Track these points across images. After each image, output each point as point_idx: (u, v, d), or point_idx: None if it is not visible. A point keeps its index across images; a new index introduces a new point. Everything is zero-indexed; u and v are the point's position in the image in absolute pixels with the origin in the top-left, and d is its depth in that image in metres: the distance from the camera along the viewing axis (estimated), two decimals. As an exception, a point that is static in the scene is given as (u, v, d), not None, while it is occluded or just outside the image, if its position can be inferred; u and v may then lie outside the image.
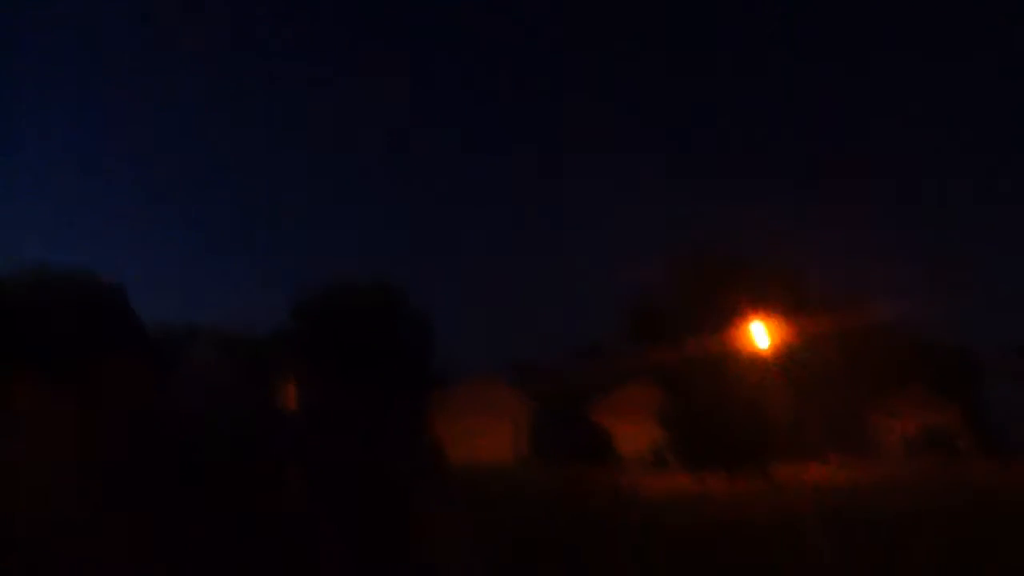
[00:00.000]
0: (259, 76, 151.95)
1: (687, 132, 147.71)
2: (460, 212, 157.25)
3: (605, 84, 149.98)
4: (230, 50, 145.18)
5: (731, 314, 39.01)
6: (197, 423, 36.07)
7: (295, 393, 39.92)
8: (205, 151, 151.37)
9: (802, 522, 16.76)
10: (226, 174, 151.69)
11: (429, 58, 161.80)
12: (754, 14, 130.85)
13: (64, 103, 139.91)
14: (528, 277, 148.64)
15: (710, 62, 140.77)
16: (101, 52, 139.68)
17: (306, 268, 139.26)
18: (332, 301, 58.51)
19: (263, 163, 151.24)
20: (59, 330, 54.26)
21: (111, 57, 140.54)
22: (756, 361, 35.13)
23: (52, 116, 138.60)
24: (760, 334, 34.74)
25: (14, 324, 52.29)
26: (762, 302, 39.89)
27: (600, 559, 13.00)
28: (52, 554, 12.71)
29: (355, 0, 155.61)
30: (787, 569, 11.30)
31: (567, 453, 38.20)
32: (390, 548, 12.72)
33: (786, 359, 39.74)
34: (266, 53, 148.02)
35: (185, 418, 37.00)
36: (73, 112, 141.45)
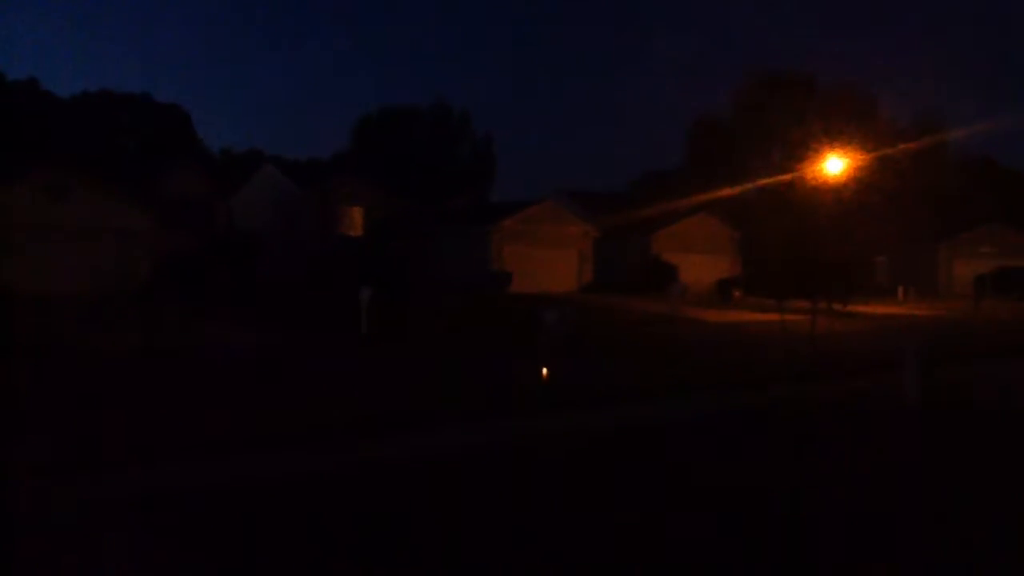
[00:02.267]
0: None
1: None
2: (522, 33, 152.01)
3: None
4: None
5: (800, 141, 37.41)
6: (261, 243, 36.65)
7: (359, 216, 40.02)
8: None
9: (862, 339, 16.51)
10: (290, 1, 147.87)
11: None
12: None
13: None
14: (593, 100, 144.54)
15: None
16: None
17: (369, 92, 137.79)
18: (392, 125, 57.89)
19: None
20: (123, 150, 54.91)
21: None
22: (827, 191, 33.85)
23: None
24: (832, 162, 33.16)
25: (79, 144, 53.05)
26: (833, 128, 38.09)
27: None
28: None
29: None
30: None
31: (630, 283, 38.06)
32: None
33: (858, 189, 38.32)
34: None
35: (249, 242, 37.61)
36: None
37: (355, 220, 40.00)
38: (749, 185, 42.05)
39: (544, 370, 11.32)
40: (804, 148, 36.00)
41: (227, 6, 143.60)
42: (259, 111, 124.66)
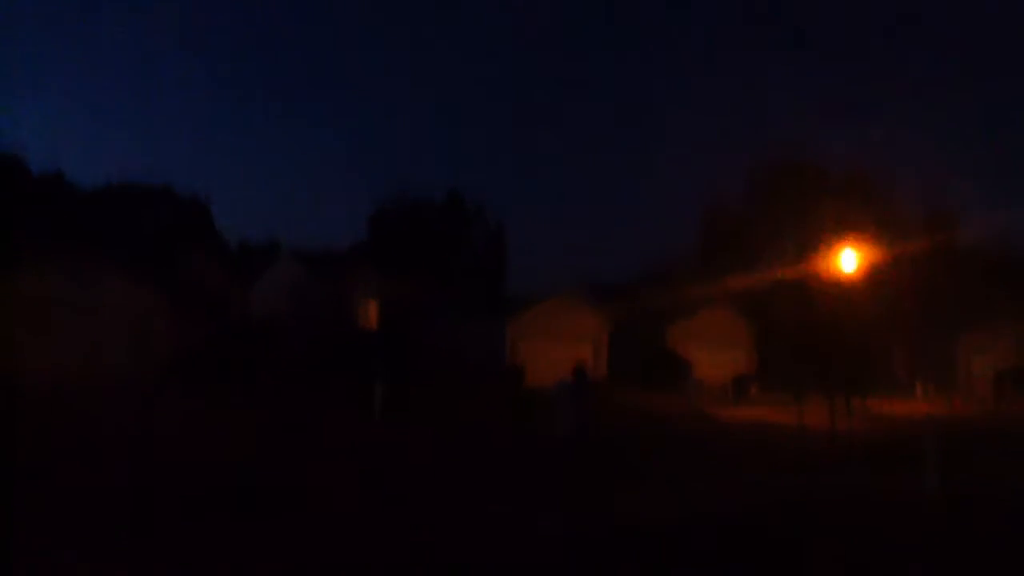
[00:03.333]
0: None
1: (765, 34, 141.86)
2: (537, 130, 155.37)
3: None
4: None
5: (814, 231, 37.52)
6: (277, 334, 36.76)
7: (373, 308, 40.22)
8: (288, 70, 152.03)
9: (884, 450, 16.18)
10: (307, 93, 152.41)
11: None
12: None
13: (150, 25, 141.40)
14: (606, 194, 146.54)
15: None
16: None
17: (384, 184, 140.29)
18: (408, 216, 58.68)
19: (343, 82, 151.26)
20: (144, 242, 55.78)
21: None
22: (842, 285, 33.76)
23: (139, 30, 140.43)
24: (846, 255, 33.13)
25: (103, 236, 53.95)
26: (847, 219, 38.23)
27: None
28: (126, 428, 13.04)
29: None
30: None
31: (645, 377, 37.77)
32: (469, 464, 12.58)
33: (874, 283, 38.19)
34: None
35: (265, 329, 37.75)
36: (161, 28, 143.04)
37: (370, 311, 40.21)
38: (763, 276, 42.00)
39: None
40: (817, 239, 36.15)
41: (247, 99, 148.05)
42: (277, 202, 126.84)
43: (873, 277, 37.97)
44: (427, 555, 7.45)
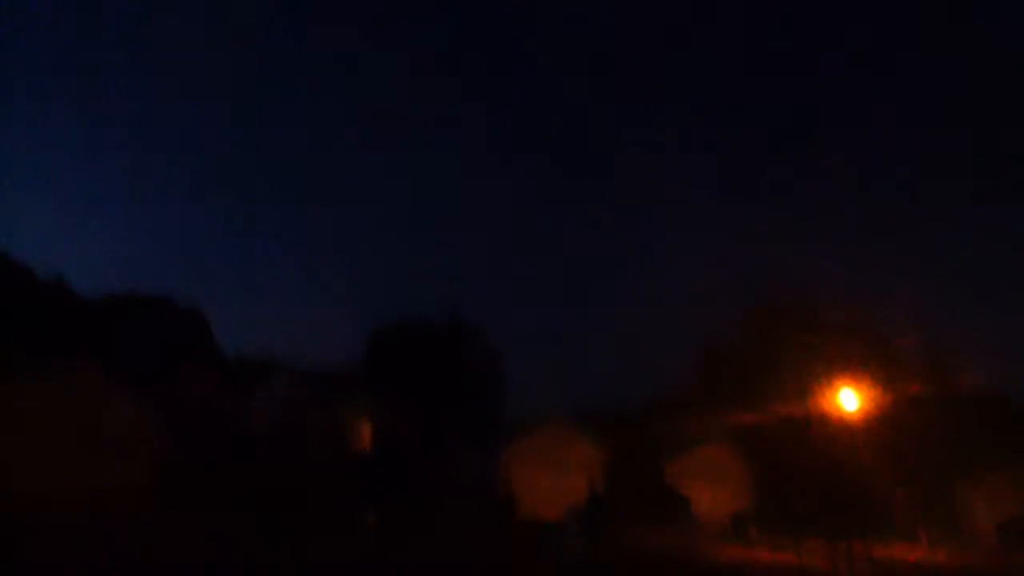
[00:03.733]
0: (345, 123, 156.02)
1: (765, 180, 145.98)
2: (535, 259, 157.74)
3: (681, 136, 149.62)
4: (319, 95, 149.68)
5: (813, 372, 37.50)
6: (271, 451, 36.21)
7: (368, 430, 39.74)
8: (286, 190, 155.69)
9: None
10: (305, 210, 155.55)
11: (507, 102, 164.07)
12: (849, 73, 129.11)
13: (156, 136, 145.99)
14: (602, 326, 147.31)
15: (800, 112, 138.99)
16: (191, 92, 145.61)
17: (382, 306, 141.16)
18: (406, 338, 58.66)
19: (342, 201, 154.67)
20: (142, 353, 55.64)
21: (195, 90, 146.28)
22: (843, 426, 33.51)
23: (141, 149, 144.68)
24: (846, 396, 33.04)
25: (102, 345, 53.84)
26: (846, 361, 38.29)
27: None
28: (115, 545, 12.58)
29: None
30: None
31: (643, 512, 36.99)
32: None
33: (875, 425, 37.90)
34: (363, 93, 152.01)
35: (259, 445, 37.22)
36: (161, 146, 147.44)
37: (365, 432, 39.72)
38: (762, 414, 41.72)
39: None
40: (817, 379, 36.12)
41: (249, 215, 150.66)
42: (275, 318, 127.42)
43: (873, 418, 37.83)
44: None
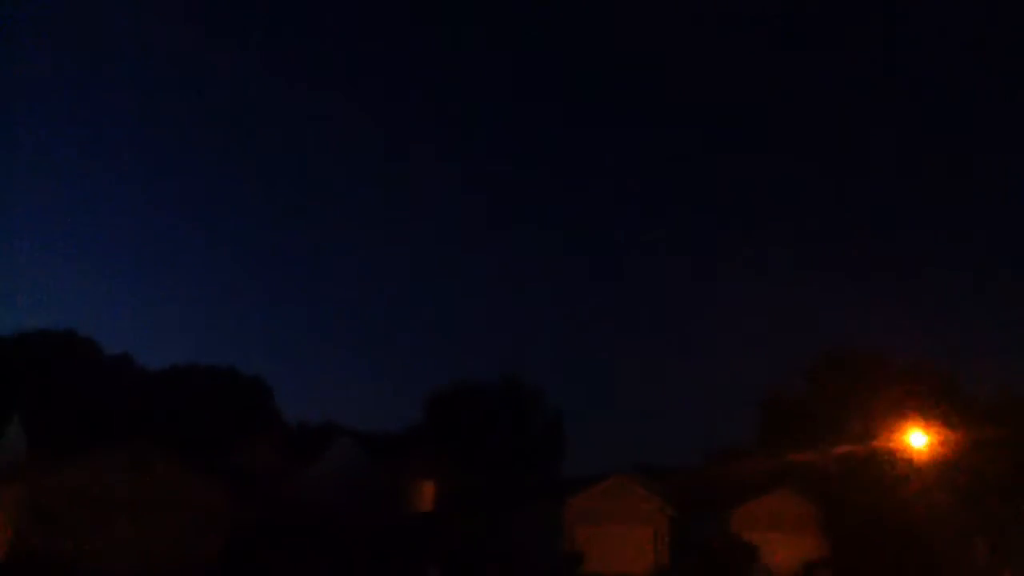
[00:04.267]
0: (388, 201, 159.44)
1: (829, 224, 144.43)
2: (593, 315, 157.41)
3: (740, 188, 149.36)
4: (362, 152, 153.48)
5: (877, 416, 36.71)
6: (335, 516, 36.50)
7: (430, 491, 39.85)
8: (344, 256, 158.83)
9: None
10: (364, 277, 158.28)
11: (562, 171, 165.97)
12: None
13: (213, 217, 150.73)
14: (664, 377, 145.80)
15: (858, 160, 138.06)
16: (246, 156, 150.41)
17: (441, 368, 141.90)
18: (465, 399, 58.95)
19: (404, 269, 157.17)
20: (207, 422, 56.86)
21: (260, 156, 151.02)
22: (912, 468, 32.70)
23: (195, 229, 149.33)
24: (914, 437, 32.24)
25: (166, 418, 55.20)
26: (911, 402, 37.41)
27: None
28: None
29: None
30: None
31: (709, 564, 36.25)
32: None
33: (946, 465, 36.81)
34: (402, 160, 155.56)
35: (323, 511, 37.52)
36: (217, 224, 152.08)
37: (426, 495, 39.83)
38: (828, 457, 40.80)
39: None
40: (881, 423, 35.33)
41: (300, 284, 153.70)
42: (336, 385, 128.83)
43: (944, 458, 36.76)
44: None
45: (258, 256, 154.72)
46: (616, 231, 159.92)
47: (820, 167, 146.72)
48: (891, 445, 32.82)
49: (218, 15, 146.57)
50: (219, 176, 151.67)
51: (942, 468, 36.50)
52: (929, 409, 36.55)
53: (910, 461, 31.99)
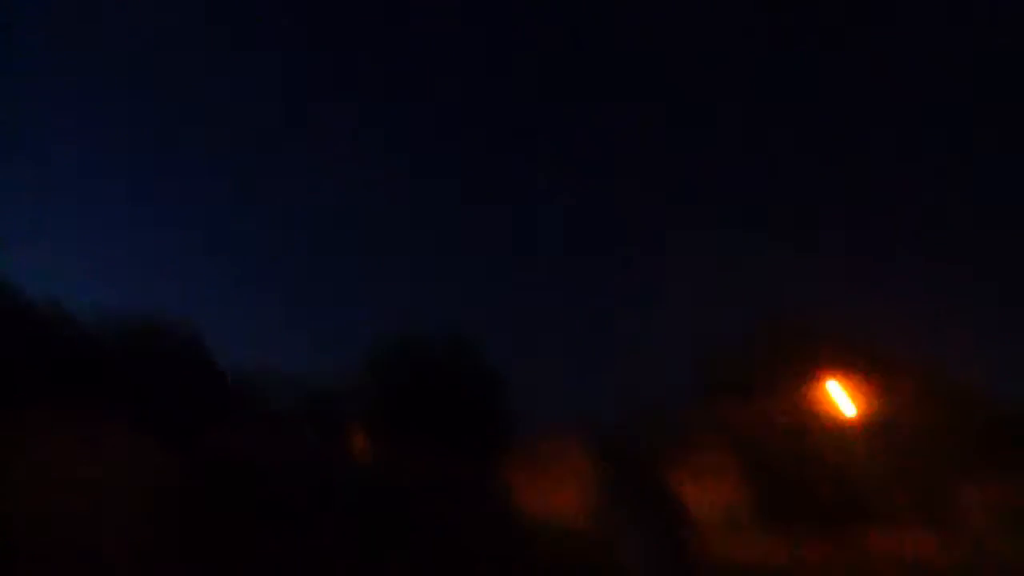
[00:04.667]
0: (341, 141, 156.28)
1: (765, 191, 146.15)
2: (532, 267, 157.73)
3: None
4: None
5: (811, 378, 37.90)
6: (272, 470, 36.44)
7: (368, 446, 39.95)
8: (280, 204, 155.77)
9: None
10: (302, 224, 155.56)
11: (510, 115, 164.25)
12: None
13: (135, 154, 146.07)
14: (602, 333, 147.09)
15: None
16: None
17: (382, 321, 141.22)
18: (406, 354, 58.81)
19: (337, 215, 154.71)
20: (137, 376, 55.77)
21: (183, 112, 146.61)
22: (837, 424, 33.96)
23: (124, 167, 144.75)
24: (841, 397, 33.64)
25: (94, 371, 53.89)
26: (842, 366, 38.71)
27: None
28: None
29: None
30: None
31: (640, 515, 37.24)
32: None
33: (868, 423, 38.36)
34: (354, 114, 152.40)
35: (260, 464, 37.41)
36: (147, 164, 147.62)
37: (365, 449, 39.90)
38: (758, 420, 42.04)
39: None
40: (814, 387, 36.51)
41: (239, 230, 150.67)
42: (270, 333, 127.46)
43: (870, 420, 38.27)
44: None
45: (188, 194, 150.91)
46: (560, 186, 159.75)
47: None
48: (820, 408, 34.08)
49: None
50: (148, 111, 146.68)
51: (867, 427, 38.09)
52: (859, 372, 37.94)
53: (837, 422, 33.30)
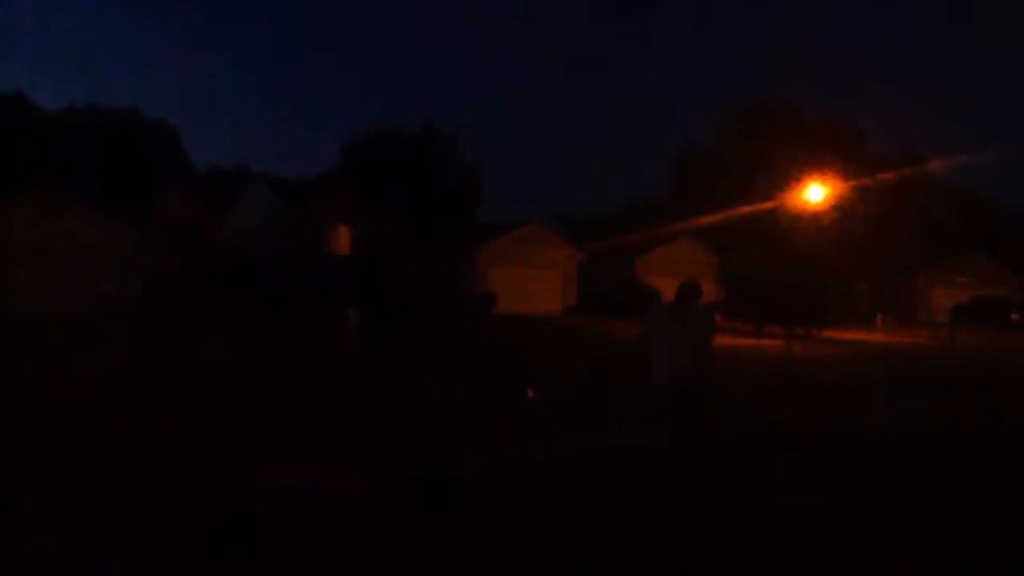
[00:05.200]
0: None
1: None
2: (509, 60, 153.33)
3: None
4: None
5: (785, 170, 38.05)
6: (249, 261, 36.91)
7: (346, 235, 40.33)
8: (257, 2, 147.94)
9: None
10: (281, 18, 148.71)
11: None
12: None
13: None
14: (579, 127, 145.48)
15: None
16: None
17: (358, 112, 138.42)
18: (382, 146, 58.33)
19: (317, 7, 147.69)
20: (112, 167, 55.10)
21: None
22: (808, 219, 34.47)
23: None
24: (812, 190, 33.80)
25: (67, 160, 53.16)
26: (816, 155, 38.84)
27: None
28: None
29: None
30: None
31: (614, 305, 38.46)
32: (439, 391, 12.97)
33: (839, 217, 39.03)
34: None
35: (240, 256, 37.85)
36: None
37: (343, 238, 40.32)
38: (732, 212, 42.67)
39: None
40: (788, 176, 36.71)
41: (218, 26, 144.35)
42: (247, 129, 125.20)
43: (838, 212, 38.83)
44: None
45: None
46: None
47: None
48: (791, 200, 34.37)
49: None
50: None
51: (837, 219, 38.73)
52: (832, 163, 38.07)
53: (807, 213, 33.75)
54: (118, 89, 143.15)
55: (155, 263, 32.03)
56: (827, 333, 29.88)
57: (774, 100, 54.45)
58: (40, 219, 29.28)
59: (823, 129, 48.75)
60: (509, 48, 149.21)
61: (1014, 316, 41.77)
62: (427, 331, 22.57)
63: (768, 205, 37.41)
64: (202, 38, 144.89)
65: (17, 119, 56.31)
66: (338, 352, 18.06)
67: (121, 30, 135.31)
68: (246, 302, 30.13)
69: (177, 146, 70.50)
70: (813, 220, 34.66)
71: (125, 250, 31.05)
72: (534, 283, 39.76)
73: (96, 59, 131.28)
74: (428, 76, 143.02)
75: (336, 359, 16.61)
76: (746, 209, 41.12)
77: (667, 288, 34.31)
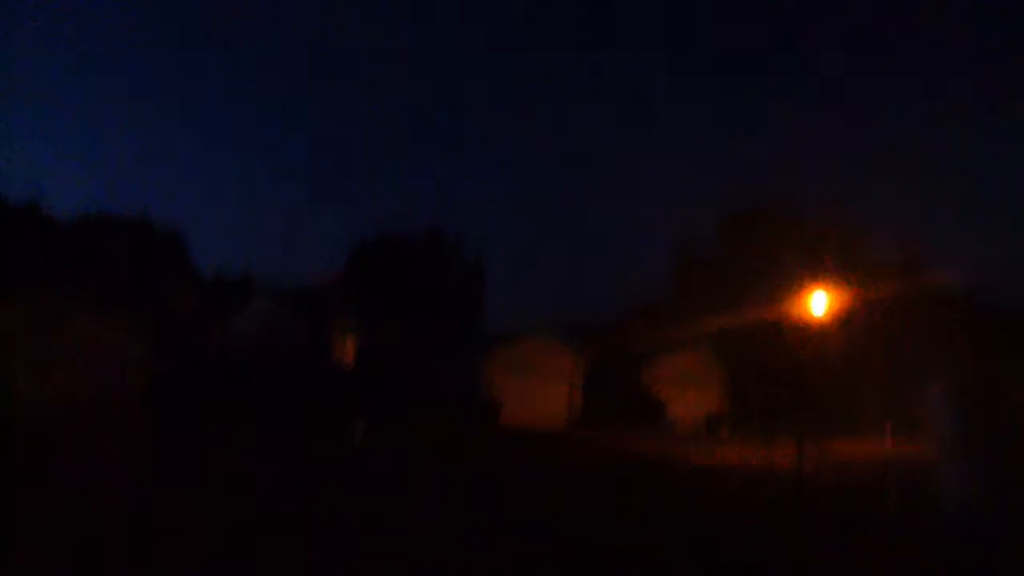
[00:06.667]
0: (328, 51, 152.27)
1: (742, 81, 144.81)
2: (515, 170, 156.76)
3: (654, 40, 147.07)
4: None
5: (787, 276, 38.26)
6: (253, 369, 36.85)
7: (351, 343, 40.38)
8: (266, 104, 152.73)
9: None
10: (286, 125, 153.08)
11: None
12: None
13: (126, 60, 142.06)
14: (583, 236, 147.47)
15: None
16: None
17: (362, 219, 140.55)
18: (386, 251, 58.93)
19: (321, 116, 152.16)
20: (119, 274, 55.64)
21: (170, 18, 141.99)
22: (812, 328, 34.41)
23: (115, 63, 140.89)
24: (816, 298, 33.90)
25: (76, 266, 53.72)
26: (819, 263, 39.06)
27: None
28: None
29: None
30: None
31: (621, 416, 38.20)
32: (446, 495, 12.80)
33: (845, 326, 38.95)
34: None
35: (241, 363, 37.80)
36: (132, 65, 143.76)
37: (348, 346, 40.37)
38: (736, 319, 42.72)
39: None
40: (789, 282, 36.89)
41: (225, 132, 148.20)
42: (253, 238, 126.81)
43: (843, 320, 38.83)
44: None
45: (171, 100, 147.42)
46: (538, 87, 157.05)
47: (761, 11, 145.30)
48: (795, 307, 34.47)
49: None
50: (130, 16, 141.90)
51: (840, 327, 38.68)
52: (834, 270, 38.31)
53: (811, 322, 33.78)
54: (129, 200, 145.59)
55: (160, 365, 32.13)
56: (836, 445, 29.51)
57: (772, 204, 55.02)
58: (51, 323, 29.59)
59: (824, 233, 49.16)
60: (510, 155, 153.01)
61: None
62: (432, 444, 22.42)
63: (771, 313, 37.52)
64: (214, 144, 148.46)
65: (31, 228, 57.19)
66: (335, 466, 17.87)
67: (133, 142, 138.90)
68: (246, 406, 29.99)
69: (184, 253, 71.31)
70: (817, 329, 34.72)
71: (131, 351, 31.24)
72: (540, 392, 39.53)
73: (108, 170, 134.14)
74: (433, 183, 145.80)
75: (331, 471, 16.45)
76: (746, 316, 41.25)
77: (675, 397, 34.29)
